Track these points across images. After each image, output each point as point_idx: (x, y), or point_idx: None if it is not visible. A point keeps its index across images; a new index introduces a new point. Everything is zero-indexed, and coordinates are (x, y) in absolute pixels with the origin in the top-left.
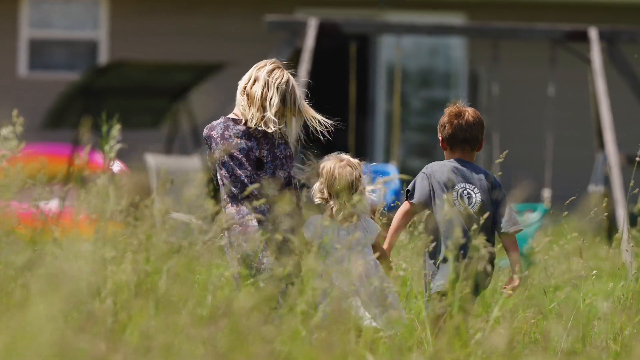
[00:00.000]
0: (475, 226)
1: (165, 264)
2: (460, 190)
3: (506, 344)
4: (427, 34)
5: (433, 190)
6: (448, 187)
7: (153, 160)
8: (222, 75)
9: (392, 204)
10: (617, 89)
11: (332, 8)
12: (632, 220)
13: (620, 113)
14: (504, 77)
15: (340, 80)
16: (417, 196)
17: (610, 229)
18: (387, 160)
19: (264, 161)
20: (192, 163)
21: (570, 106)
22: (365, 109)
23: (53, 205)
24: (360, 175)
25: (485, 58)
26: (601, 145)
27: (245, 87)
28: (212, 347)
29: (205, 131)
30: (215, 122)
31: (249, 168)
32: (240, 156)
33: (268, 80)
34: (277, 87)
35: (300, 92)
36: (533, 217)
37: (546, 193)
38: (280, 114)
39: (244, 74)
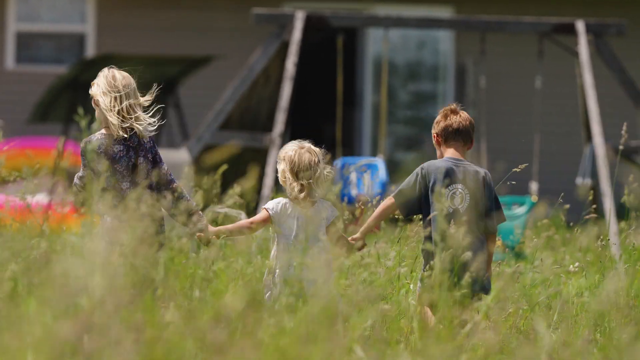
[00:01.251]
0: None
1: (154, 256)
2: (452, 191)
3: (497, 336)
4: (415, 27)
5: (428, 189)
6: (445, 186)
7: None
8: (210, 68)
9: (378, 195)
10: (604, 81)
11: (319, 1)
12: (620, 212)
13: (607, 105)
14: (491, 70)
15: (328, 73)
16: (405, 194)
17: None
18: (374, 152)
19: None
20: (180, 156)
21: (558, 99)
22: (352, 101)
23: (40, 198)
24: (319, 161)
25: (472, 51)
26: (589, 137)
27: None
28: (201, 340)
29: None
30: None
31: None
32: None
33: (108, 89)
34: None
35: (130, 90)
36: (520, 210)
37: (534, 186)
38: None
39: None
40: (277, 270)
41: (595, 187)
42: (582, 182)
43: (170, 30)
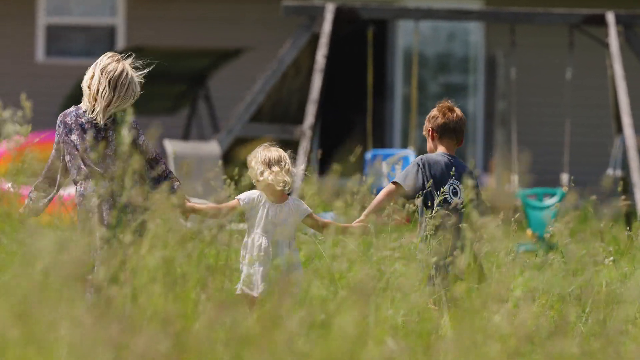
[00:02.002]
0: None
1: (183, 248)
2: (451, 188)
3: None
4: (445, 18)
5: (427, 180)
6: (442, 182)
7: (171, 146)
8: (239, 60)
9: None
10: (634, 72)
11: None
12: None
13: (637, 97)
14: (521, 62)
15: (358, 65)
16: (409, 183)
17: (628, 213)
18: (404, 144)
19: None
20: (210, 149)
21: (588, 90)
22: (383, 93)
23: (70, 190)
24: (287, 158)
25: (502, 43)
26: (619, 129)
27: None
28: (234, 332)
29: (59, 118)
30: (68, 110)
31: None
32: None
33: (100, 75)
34: (109, 80)
35: (135, 82)
36: (551, 201)
37: (564, 177)
38: (116, 105)
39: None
40: (246, 259)
41: (626, 178)
42: (613, 173)
43: (200, 22)
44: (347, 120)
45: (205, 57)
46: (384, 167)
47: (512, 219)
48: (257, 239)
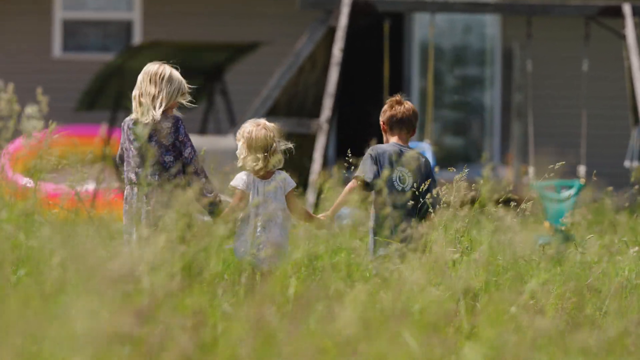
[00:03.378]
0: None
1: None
2: (398, 174)
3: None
4: (461, 11)
5: (379, 169)
6: (390, 170)
7: None
8: (256, 54)
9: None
10: None
11: None
12: None
13: None
14: (537, 54)
15: (374, 58)
16: (369, 175)
17: None
18: (421, 137)
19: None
20: (227, 143)
21: (604, 82)
22: (399, 86)
23: (88, 186)
24: (274, 136)
25: (519, 35)
26: (636, 120)
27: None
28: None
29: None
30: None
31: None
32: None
33: (141, 78)
34: (150, 77)
35: (176, 76)
36: (569, 193)
37: (581, 169)
38: (160, 99)
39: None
40: (243, 235)
41: None
42: (630, 164)
43: (217, 16)
44: (363, 114)
45: (222, 51)
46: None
47: (527, 210)
48: (251, 215)
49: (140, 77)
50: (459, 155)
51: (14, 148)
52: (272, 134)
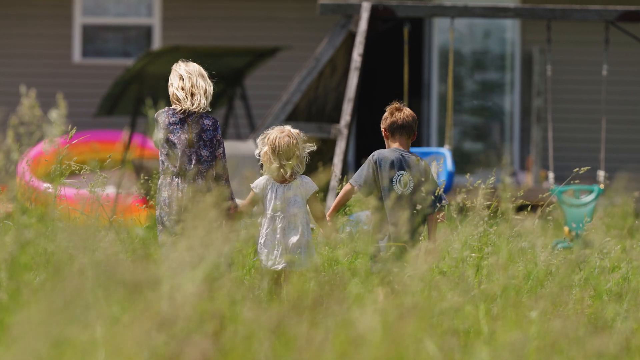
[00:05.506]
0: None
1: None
2: (399, 177)
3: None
4: (481, 16)
5: (380, 174)
6: (390, 175)
7: None
8: (275, 59)
9: (444, 185)
10: None
11: None
12: None
13: None
14: (557, 59)
15: (394, 62)
16: (362, 180)
17: None
18: (441, 142)
19: (194, 141)
20: (247, 148)
21: (624, 86)
22: (419, 91)
23: (109, 190)
24: (297, 143)
25: (539, 40)
26: None
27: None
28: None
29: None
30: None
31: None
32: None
33: (186, 74)
34: (199, 73)
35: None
36: (588, 198)
37: (601, 173)
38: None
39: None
40: (264, 238)
41: None
42: None
43: (236, 21)
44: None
45: (242, 56)
46: None
47: (548, 215)
48: (270, 218)
49: (185, 72)
50: (479, 160)
51: (34, 153)
52: (295, 141)
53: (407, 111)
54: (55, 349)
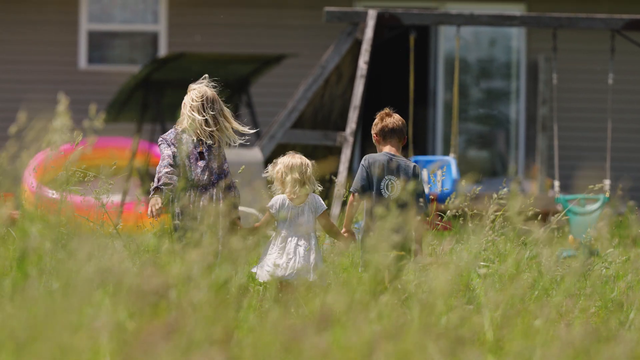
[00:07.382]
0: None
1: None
2: (387, 182)
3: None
4: (487, 24)
5: (371, 177)
6: (380, 179)
7: None
8: (281, 66)
9: (448, 192)
10: None
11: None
12: None
13: None
14: (563, 67)
15: (400, 70)
16: (360, 185)
17: None
18: (446, 151)
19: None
20: (252, 155)
21: (629, 95)
22: (425, 99)
23: (115, 197)
24: (308, 165)
25: (544, 48)
26: None
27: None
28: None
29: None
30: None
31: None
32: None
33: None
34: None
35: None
36: (593, 206)
37: (606, 183)
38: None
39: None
40: (274, 253)
41: None
42: None
43: (242, 29)
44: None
45: (247, 63)
46: (425, 174)
47: (553, 224)
48: (282, 235)
49: (212, 96)
50: (484, 169)
51: (40, 160)
52: (307, 162)
53: (397, 116)
54: (61, 357)
